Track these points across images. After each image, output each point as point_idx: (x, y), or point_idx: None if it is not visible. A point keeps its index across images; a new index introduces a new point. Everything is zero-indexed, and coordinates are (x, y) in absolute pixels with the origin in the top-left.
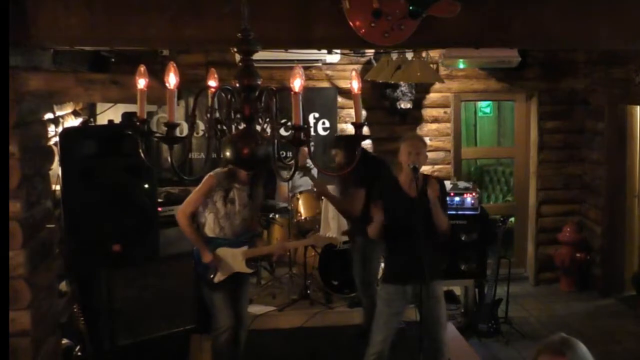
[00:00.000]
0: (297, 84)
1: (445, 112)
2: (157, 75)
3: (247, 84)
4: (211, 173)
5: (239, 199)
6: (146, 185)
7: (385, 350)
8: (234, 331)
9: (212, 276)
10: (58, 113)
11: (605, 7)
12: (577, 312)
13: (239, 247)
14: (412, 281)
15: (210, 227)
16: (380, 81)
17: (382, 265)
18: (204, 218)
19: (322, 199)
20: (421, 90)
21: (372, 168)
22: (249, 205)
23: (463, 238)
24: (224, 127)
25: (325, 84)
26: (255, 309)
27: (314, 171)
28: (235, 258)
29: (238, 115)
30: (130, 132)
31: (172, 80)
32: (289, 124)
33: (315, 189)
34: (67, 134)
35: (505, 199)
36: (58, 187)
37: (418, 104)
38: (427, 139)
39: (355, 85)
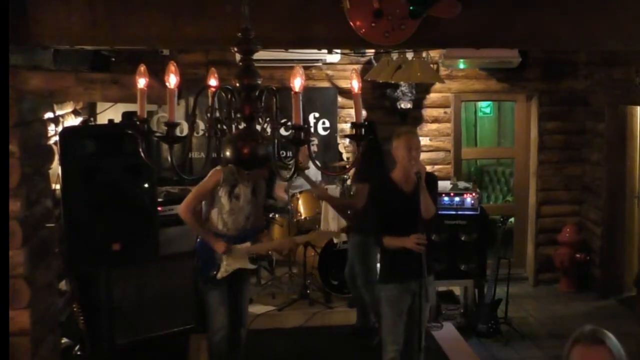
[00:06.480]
0: (297, 83)
1: (445, 112)
2: (157, 74)
3: (248, 84)
4: (217, 167)
5: (244, 195)
6: (146, 185)
7: (400, 351)
8: (233, 330)
9: (215, 272)
10: (58, 112)
11: (606, 8)
12: (577, 313)
13: (243, 243)
14: (413, 278)
15: (213, 223)
16: (381, 81)
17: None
18: (208, 214)
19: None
20: (421, 91)
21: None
22: (253, 202)
23: (463, 238)
24: (224, 127)
25: (326, 84)
26: (255, 309)
27: (311, 173)
28: (239, 254)
29: (238, 115)
30: (130, 132)
31: (172, 79)
32: (289, 123)
33: (314, 193)
34: (67, 133)
35: (505, 199)
36: (58, 186)
37: (418, 104)
38: (427, 139)
39: (355, 85)
